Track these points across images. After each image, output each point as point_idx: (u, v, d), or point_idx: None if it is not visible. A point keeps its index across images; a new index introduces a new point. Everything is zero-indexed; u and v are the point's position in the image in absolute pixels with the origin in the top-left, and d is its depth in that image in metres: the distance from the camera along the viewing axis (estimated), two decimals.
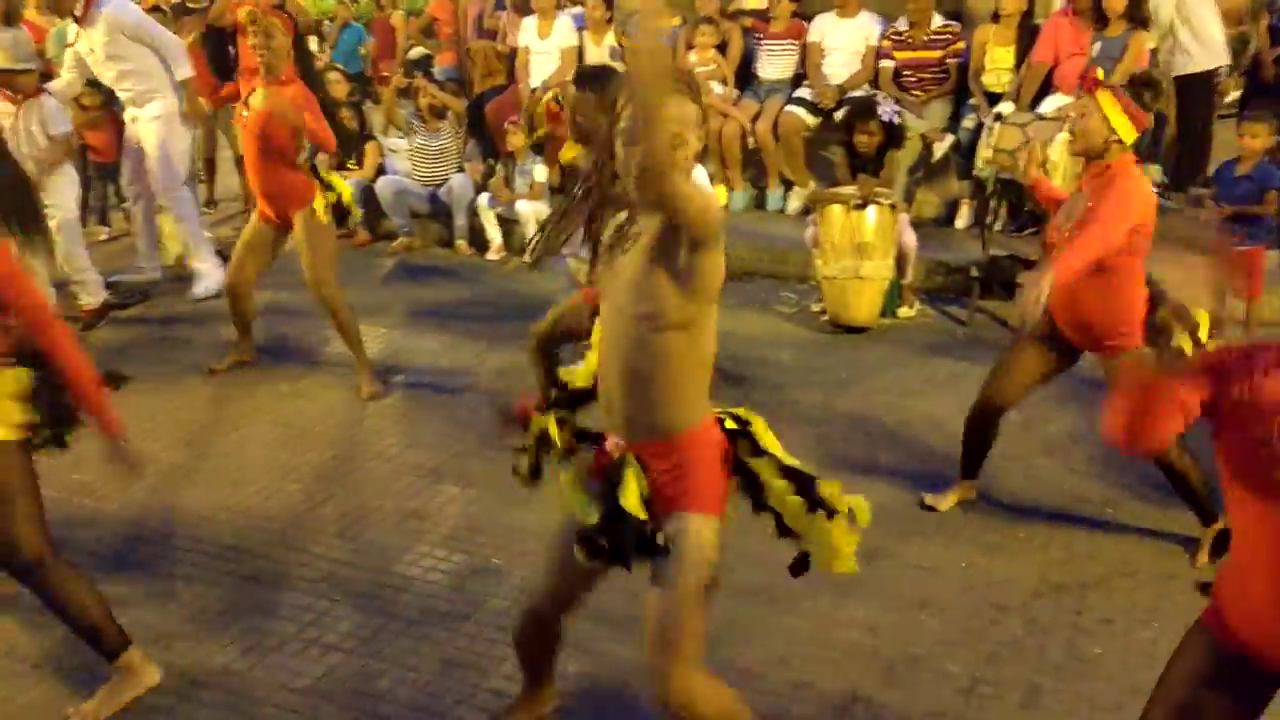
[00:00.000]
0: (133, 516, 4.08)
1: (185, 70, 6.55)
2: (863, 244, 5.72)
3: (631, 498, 2.30)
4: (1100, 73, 3.66)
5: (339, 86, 8.08)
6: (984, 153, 6.12)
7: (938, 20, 7.17)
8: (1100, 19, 6.50)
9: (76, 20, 6.26)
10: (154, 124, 6.43)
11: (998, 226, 6.29)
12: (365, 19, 11.83)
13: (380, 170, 7.92)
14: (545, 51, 8.01)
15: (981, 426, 3.91)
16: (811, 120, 7.34)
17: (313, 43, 11.37)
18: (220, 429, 4.83)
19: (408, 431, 4.79)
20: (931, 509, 4.01)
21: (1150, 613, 3.38)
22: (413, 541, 3.86)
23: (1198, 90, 6.99)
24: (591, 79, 3.68)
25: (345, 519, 4.04)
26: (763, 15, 7.77)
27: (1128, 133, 3.47)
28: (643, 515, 2.30)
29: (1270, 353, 1.92)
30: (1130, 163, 3.54)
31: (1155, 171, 7.21)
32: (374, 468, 4.46)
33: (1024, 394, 3.86)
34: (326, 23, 13.15)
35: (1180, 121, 7.18)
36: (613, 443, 2.39)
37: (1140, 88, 3.60)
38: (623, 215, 2.32)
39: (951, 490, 4.05)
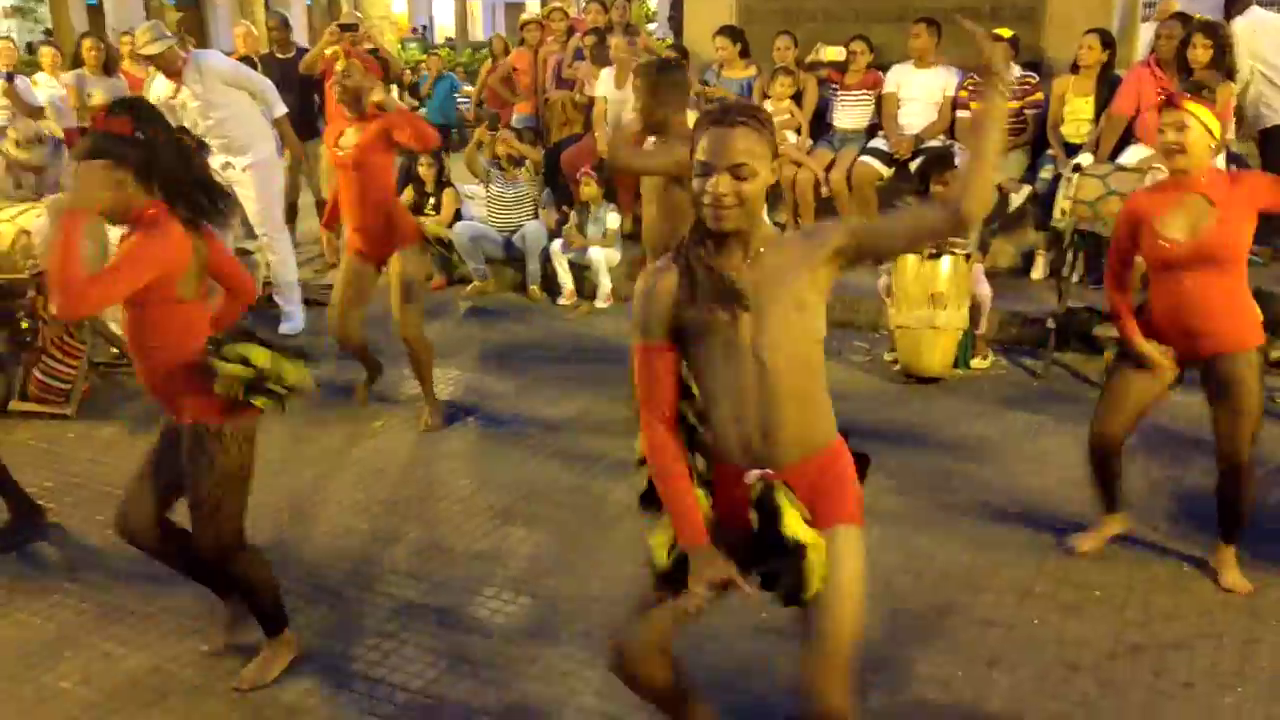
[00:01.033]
0: None
1: (281, 108, 6.82)
2: (937, 294, 5.69)
3: (796, 523, 2.32)
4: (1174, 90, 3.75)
5: None
6: (1062, 203, 6.04)
7: (1016, 70, 7.14)
8: (1184, 69, 6.42)
9: (172, 75, 6.47)
10: (250, 171, 6.63)
11: (1074, 278, 6.20)
12: (462, 67, 12.12)
13: (457, 216, 8.07)
14: (621, 101, 8.12)
15: (1103, 462, 3.92)
16: (885, 170, 7.33)
17: (394, 91, 11.71)
18: (295, 466, 4.93)
19: (479, 472, 4.84)
20: (1071, 550, 4.01)
21: (1234, 676, 3.27)
22: (482, 583, 3.89)
23: (1272, 140, 6.90)
24: (649, 68, 4.36)
25: (416, 558, 4.08)
26: (839, 67, 7.80)
27: (1219, 131, 3.62)
28: (811, 539, 2.31)
29: None
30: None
31: None
32: (445, 508, 4.51)
33: (1135, 422, 3.85)
34: (409, 72, 13.52)
35: (1266, 172, 7.03)
36: (753, 475, 2.38)
37: (1202, 95, 3.76)
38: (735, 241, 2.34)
39: (1094, 531, 4.05)
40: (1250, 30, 6.93)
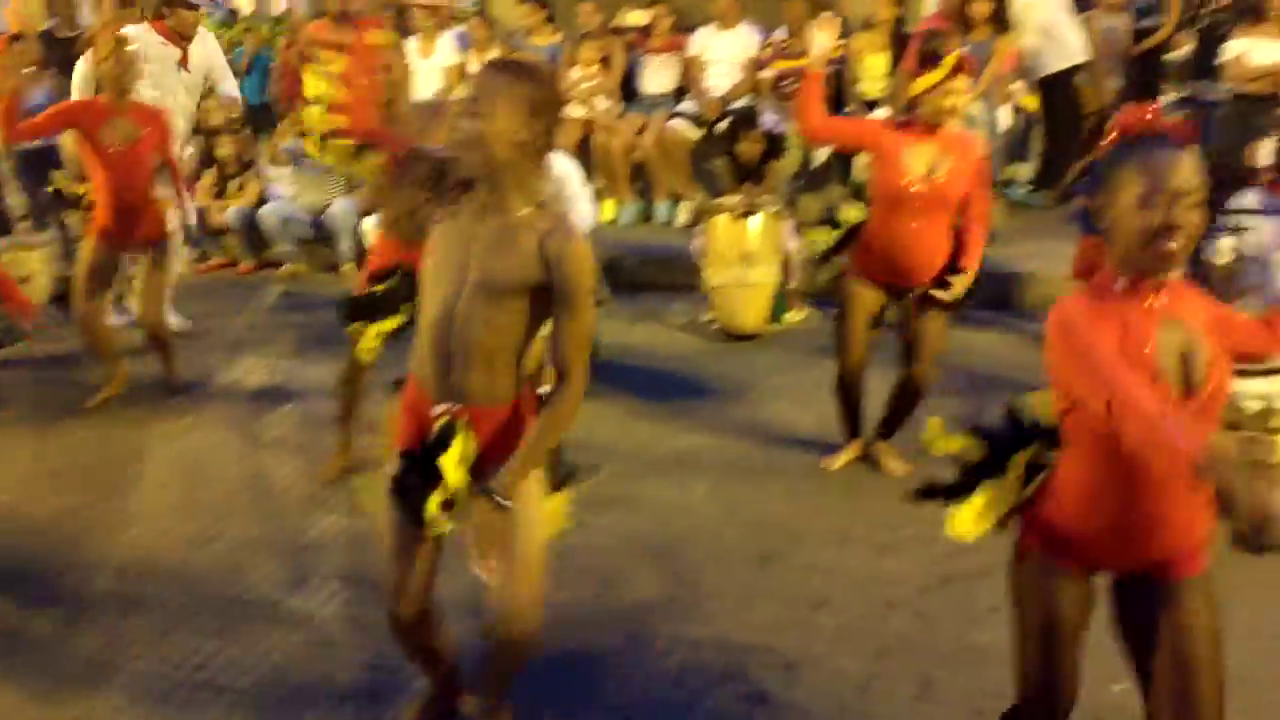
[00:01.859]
0: (15, 564, 3.94)
1: None
2: (748, 252, 5.82)
3: (452, 460, 2.41)
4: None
5: (216, 114, 7.92)
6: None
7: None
8: (966, 25, 6.72)
9: None
10: None
11: None
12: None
13: (263, 199, 7.79)
14: (428, 71, 7.97)
15: (849, 391, 4.36)
16: (695, 133, 7.44)
17: None
18: (105, 470, 4.69)
19: (300, 462, 4.71)
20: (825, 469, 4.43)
21: None
22: (309, 575, 3.80)
23: (1059, 90, 7.30)
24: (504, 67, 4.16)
25: (236, 555, 3.96)
26: (644, 30, 7.85)
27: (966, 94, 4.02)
28: (455, 480, 2.41)
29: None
30: None
31: (1024, 170, 7.49)
32: (266, 502, 4.38)
33: (868, 348, 4.28)
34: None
35: (1047, 121, 7.47)
36: (441, 408, 2.47)
37: (934, 57, 3.98)
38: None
39: (842, 452, 4.47)
40: None
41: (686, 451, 4.66)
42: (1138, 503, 2.09)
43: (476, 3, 11.07)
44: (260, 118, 10.40)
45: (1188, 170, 1.93)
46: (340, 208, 7.49)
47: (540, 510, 2.53)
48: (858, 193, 6.63)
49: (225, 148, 7.73)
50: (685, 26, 7.75)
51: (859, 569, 3.72)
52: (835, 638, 3.36)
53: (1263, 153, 5.66)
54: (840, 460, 4.46)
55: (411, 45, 8.12)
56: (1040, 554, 2.30)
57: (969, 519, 2.46)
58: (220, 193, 7.78)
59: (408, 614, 2.66)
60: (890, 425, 4.38)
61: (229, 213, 7.66)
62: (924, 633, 3.36)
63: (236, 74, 10.69)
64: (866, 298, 4.18)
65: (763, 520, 4.05)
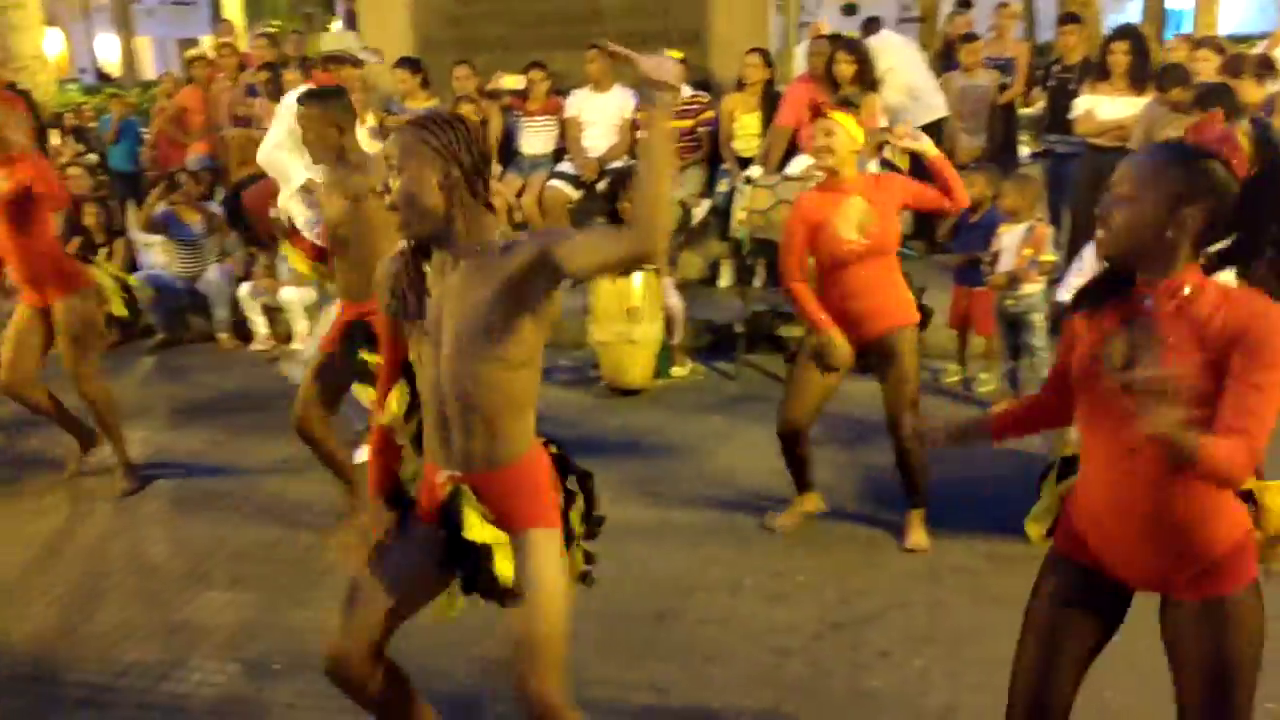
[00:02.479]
0: None
1: None
2: (632, 308, 5.87)
3: (476, 525, 2.38)
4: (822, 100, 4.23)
5: (79, 181, 7.70)
6: (738, 214, 6.40)
7: (687, 90, 7.48)
8: (834, 83, 6.94)
9: None
10: None
11: (757, 283, 6.57)
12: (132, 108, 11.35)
13: (134, 266, 7.56)
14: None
15: (792, 447, 4.25)
16: (574, 193, 7.50)
17: (55, 136, 10.82)
18: None
19: (174, 537, 4.54)
20: (772, 529, 4.36)
21: (923, 641, 3.55)
22: (184, 656, 3.64)
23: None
24: (319, 95, 4.19)
25: (106, 639, 3.77)
26: (521, 94, 7.91)
27: (862, 136, 4.07)
28: (491, 537, 2.38)
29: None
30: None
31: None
32: (136, 580, 4.20)
33: (817, 409, 4.21)
34: (70, 115, 12.56)
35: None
36: (443, 476, 2.43)
37: (848, 106, 4.22)
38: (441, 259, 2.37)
39: (791, 509, 4.39)
40: (882, 47, 7.64)
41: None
42: (1133, 501, 2.09)
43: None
44: (129, 185, 10.14)
45: (1119, 172, 2.07)
46: (215, 275, 7.31)
47: (558, 565, 2.44)
48: (738, 249, 6.78)
49: (91, 216, 7.50)
50: (561, 89, 7.84)
51: (752, 619, 3.73)
52: (728, 689, 3.35)
53: None
54: (786, 518, 4.36)
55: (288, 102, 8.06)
56: (1055, 544, 2.35)
57: (1030, 521, 2.51)
58: (83, 261, 7.52)
59: (348, 654, 2.49)
60: (910, 492, 4.22)
61: None
62: (817, 680, 3.38)
63: (104, 141, 10.48)
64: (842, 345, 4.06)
65: (656, 575, 4.04)
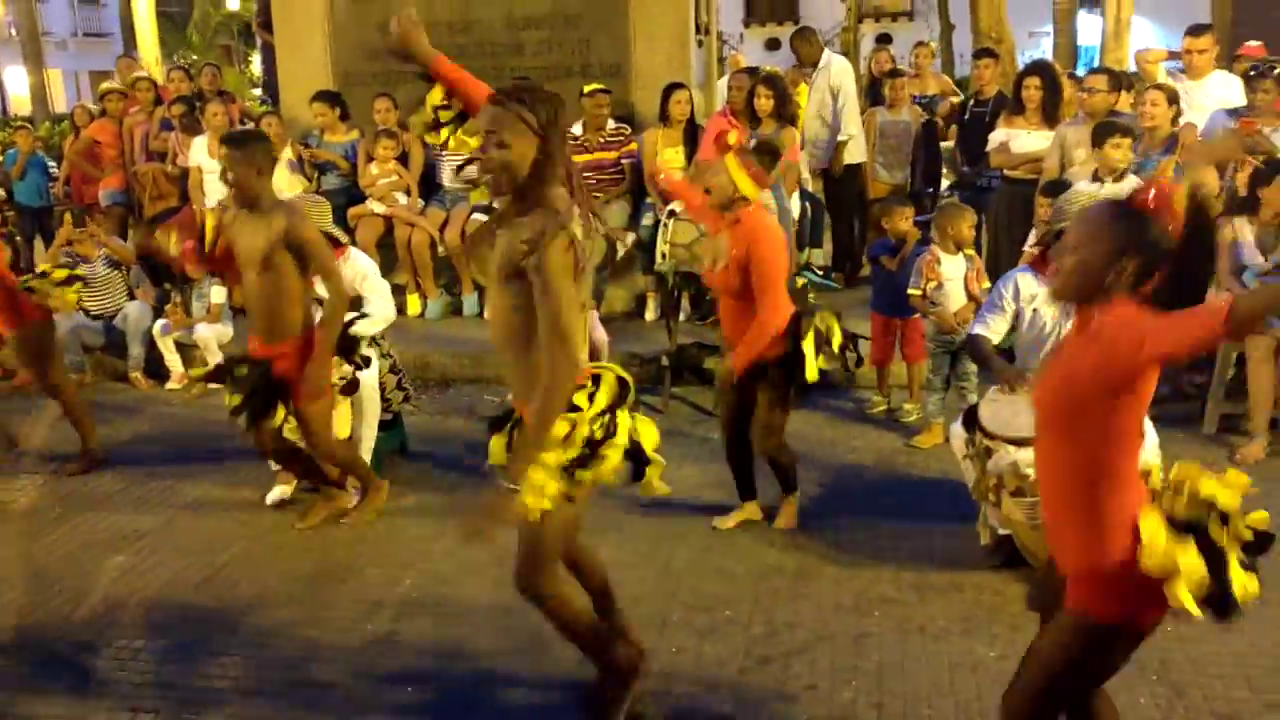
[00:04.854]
0: None
1: None
2: None
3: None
4: (733, 137, 4.32)
5: None
6: (662, 247, 6.40)
7: (610, 124, 7.50)
8: (754, 118, 7.01)
9: None
10: None
11: (682, 317, 6.58)
12: (42, 141, 11.08)
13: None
14: (219, 170, 7.73)
15: (735, 453, 4.59)
16: None
17: None
18: None
19: (81, 588, 4.36)
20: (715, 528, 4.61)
21: (850, 671, 3.54)
22: (92, 710, 3.49)
23: (841, 180, 7.80)
24: (240, 139, 4.39)
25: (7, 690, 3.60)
26: None
27: (751, 191, 4.19)
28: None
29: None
30: (758, 209, 4.26)
31: (817, 255, 7.81)
32: (39, 629, 4.03)
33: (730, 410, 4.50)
34: None
35: (831, 208, 7.91)
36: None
37: (763, 154, 4.48)
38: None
39: (734, 513, 4.66)
40: (838, 68, 7.88)
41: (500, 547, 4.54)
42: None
43: (265, 102, 10.92)
44: (36, 221, 9.87)
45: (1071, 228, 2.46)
46: (135, 311, 7.12)
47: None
48: (663, 282, 6.78)
49: None
50: None
51: (680, 655, 3.69)
52: None
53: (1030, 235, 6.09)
54: (730, 521, 4.63)
55: (200, 144, 7.94)
56: None
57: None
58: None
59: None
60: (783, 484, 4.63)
61: None
62: (744, 714, 3.35)
63: (10, 176, 10.20)
64: (724, 367, 4.40)
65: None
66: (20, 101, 33.04)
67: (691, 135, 7.35)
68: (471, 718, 3.40)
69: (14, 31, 25.92)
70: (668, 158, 7.35)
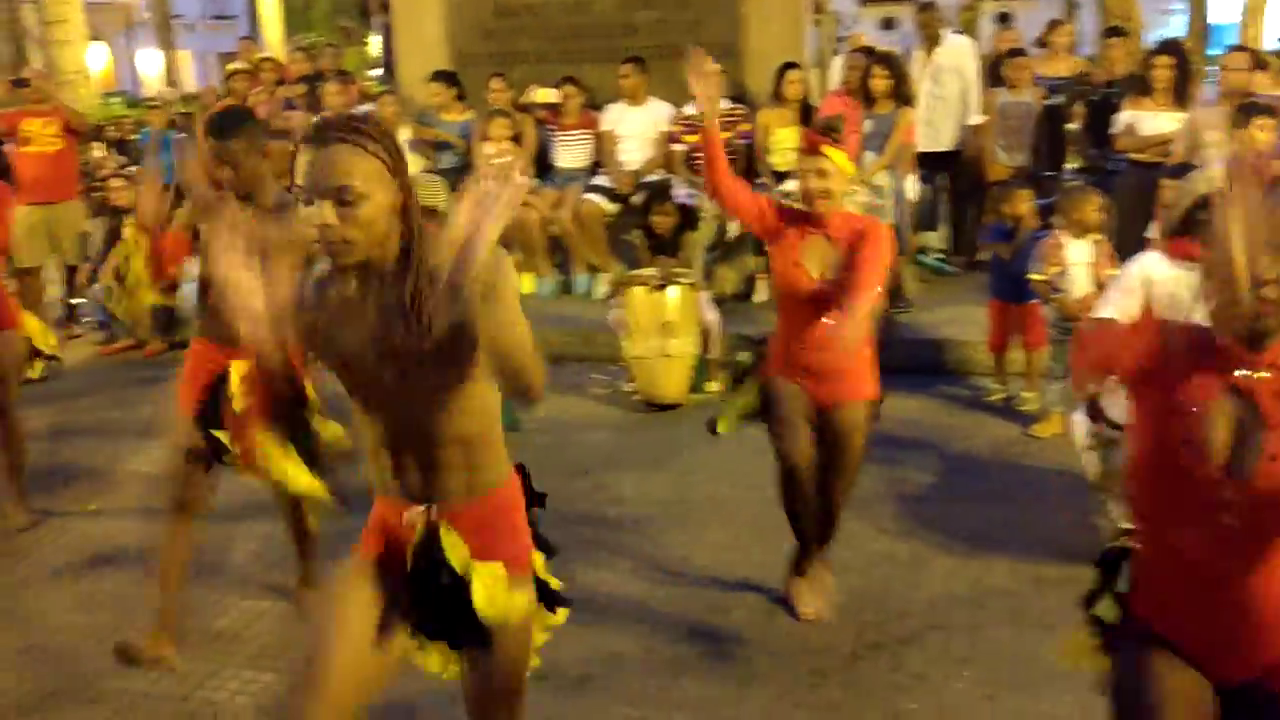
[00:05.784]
0: None
1: None
2: (667, 323, 5.84)
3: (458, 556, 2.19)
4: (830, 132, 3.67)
5: (122, 194, 7.79)
6: None
7: (724, 104, 7.44)
8: (869, 99, 6.90)
9: None
10: None
11: None
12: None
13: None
14: None
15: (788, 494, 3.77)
16: (610, 206, 7.49)
17: (98, 149, 10.95)
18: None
19: (212, 556, 4.53)
20: None
21: (961, 663, 3.49)
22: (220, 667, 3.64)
23: (960, 161, 7.60)
24: (229, 126, 3.50)
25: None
26: (554, 108, 7.92)
27: (852, 169, 3.67)
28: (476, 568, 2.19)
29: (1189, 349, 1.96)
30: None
31: (933, 239, 7.66)
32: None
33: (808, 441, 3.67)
34: (112, 128, 12.75)
35: (951, 190, 7.72)
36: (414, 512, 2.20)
37: (830, 132, 3.63)
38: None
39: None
40: (958, 48, 7.69)
41: (612, 522, 4.59)
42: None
43: (384, 81, 11.13)
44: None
45: None
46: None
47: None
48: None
49: (132, 227, 7.55)
50: (595, 104, 7.84)
51: (788, 639, 3.67)
52: (765, 710, 3.30)
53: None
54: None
55: None
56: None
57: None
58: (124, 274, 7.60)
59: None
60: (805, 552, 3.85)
61: None
62: (854, 701, 3.32)
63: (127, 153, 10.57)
64: (791, 389, 3.64)
65: (687, 590, 3.99)
66: (152, 83, 34.33)
67: (805, 116, 7.26)
68: None
69: (147, 14, 26.95)
70: (781, 138, 7.29)
